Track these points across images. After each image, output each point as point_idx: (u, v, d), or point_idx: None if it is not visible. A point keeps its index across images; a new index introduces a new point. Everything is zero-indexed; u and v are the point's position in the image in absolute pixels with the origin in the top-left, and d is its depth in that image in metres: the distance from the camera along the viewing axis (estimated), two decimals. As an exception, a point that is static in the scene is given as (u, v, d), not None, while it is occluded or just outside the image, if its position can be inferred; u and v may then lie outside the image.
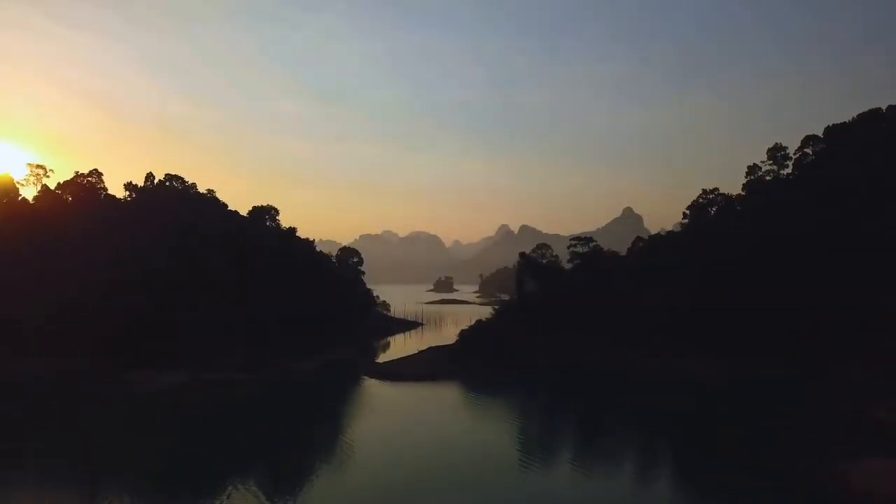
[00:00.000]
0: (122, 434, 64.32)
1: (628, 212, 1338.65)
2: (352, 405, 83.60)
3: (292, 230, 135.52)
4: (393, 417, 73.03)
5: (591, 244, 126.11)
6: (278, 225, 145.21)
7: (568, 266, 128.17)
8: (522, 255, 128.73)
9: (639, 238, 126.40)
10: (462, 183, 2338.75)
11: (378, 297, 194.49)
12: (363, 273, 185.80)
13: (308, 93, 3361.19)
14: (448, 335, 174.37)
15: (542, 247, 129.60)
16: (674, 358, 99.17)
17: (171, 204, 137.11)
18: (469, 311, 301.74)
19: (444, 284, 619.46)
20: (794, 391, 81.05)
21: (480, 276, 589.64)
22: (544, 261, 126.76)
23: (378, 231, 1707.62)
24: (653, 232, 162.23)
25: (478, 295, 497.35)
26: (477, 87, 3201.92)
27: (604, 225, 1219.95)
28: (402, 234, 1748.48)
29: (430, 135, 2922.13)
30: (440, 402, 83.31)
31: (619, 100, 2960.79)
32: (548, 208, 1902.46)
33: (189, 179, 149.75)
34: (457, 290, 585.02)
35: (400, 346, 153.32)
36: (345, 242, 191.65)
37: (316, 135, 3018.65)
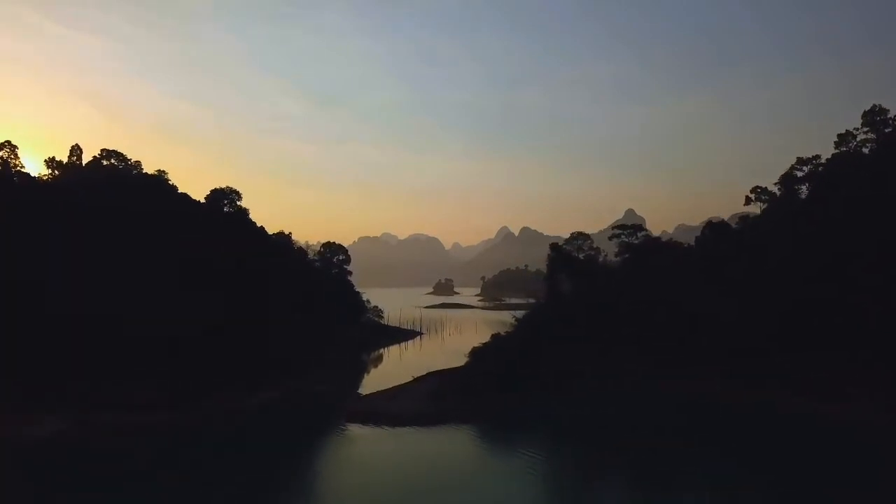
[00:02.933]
0: None
1: (631, 213, 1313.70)
2: (313, 471, 54.40)
3: (243, 212, 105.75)
4: (379, 492, 44.49)
5: (639, 233, 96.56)
6: (240, 211, 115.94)
7: (612, 261, 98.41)
8: (555, 247, 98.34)
9: (710, 224, 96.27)
10: (462, 185, 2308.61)
11: (369, 301, 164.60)
12: (350, 273, 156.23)
13: (308, 94, 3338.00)
14: (452, 347, 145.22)
15: (579, 237, 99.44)
16: (767, 387, 70.09)
17: (99, 184, 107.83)
18: (473, 317, 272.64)
19: (444, 287, 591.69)
20: None
21: (483, 278, 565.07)
22: (581, 255, 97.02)
23: (377, 233, 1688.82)
24: (655, 234, 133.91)
25: (480, 298, 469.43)
26: (477, 88, 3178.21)
27: (605, 227, 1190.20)
28: (401, 236, 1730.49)
29: (430, 136, 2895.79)
30: (449, 463, 54.23)
31: (619, 100, 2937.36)
32: (549, 210, 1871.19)
33: (132, 157, 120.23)
34: (457, 293, 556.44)
35: (394, 362, 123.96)
36: (344, 245, 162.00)
37: (315, 136, 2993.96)
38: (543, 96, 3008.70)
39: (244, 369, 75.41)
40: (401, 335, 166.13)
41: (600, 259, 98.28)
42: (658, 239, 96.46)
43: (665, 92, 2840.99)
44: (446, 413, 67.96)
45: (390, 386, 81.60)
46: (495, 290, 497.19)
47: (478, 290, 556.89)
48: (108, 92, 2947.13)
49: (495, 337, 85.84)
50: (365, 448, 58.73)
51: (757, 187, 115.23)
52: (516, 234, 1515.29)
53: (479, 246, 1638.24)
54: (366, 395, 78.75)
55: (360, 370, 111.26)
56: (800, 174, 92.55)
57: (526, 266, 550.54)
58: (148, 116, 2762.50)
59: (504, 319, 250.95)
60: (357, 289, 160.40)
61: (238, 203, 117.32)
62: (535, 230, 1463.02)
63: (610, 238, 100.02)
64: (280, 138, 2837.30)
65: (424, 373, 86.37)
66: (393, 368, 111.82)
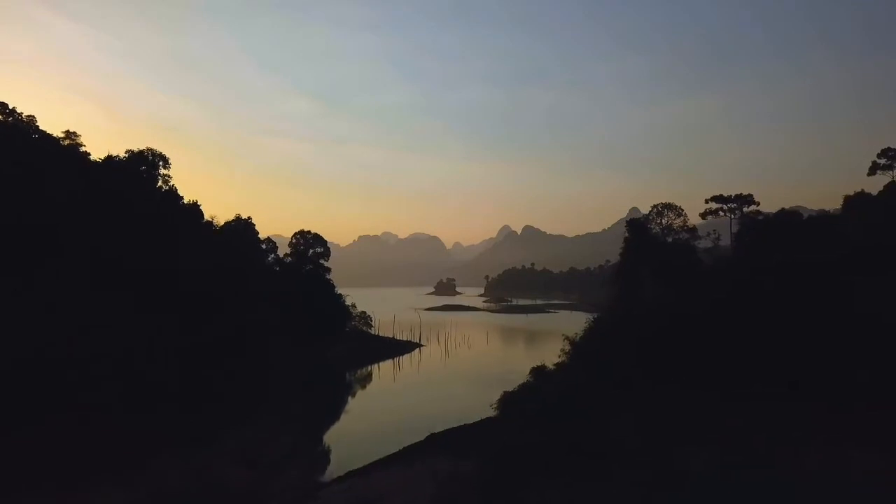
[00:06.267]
0: None
1: (635, 212, 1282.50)
2: None
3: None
4: None
5: (752, 205, 62.71)
6: (164, 181, 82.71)
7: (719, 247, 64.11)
8: (635, 225, 62.79)
9: (887, 188, 61.51)
10: (463, 184, 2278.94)
11: (354, 305, 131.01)
12: (329, 270, 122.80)
13: (308, 94, 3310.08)
14: (460, 364, 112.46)
15: (667, 209, 63.93)
16: None
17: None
18: (480, 320, 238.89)
19: (446, 287, 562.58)
20: None
21: (486, 277, 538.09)
22: (670, 239, 62.37)
23: (378, 233, 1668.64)
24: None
25: (485, 299, 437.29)
26: (479, 89, 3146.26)
27: (610, 226, 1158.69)
28: (401, 235, 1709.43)
29: (432, 136, 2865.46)
30: None
31: (622, 101, 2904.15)
32: (551, 210, 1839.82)
33: (32, 113, 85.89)
34: (460, 293, 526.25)
35: (382, 393, 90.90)
36: (344, 244, 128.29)
37: (315, 136, 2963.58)
38: (546, 97, 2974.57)
39: (106, 438, 41.92)
40: (394, 348, 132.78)
41: (707, 245, 63.63)
42: (796, 213, 61.42)
43: (667, 92, 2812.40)
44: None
45: (369, 448, 48.07)
46: (500, 291, 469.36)
47: (481, 290, 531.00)
48: (107, 91, 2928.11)
49: (538, 372, 51.61)
50: None
51: (889, 149, 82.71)
52: (518, 232, 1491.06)
53: (481, 245, 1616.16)
54: (324, 483, 44.87)
55: (330, 412, 76.57)
56: None
57: (532, 265, 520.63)
58: (147, 116, 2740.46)
59: (515, 325, 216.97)
60: (339, 290, 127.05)
61: (164, 172, 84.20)
62: (538, 229, 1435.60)
63: (703, 215, 66.78)
64: (280, 138, 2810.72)
65: (423, 428, 52.66)
66: (378, 406, 78.57)
